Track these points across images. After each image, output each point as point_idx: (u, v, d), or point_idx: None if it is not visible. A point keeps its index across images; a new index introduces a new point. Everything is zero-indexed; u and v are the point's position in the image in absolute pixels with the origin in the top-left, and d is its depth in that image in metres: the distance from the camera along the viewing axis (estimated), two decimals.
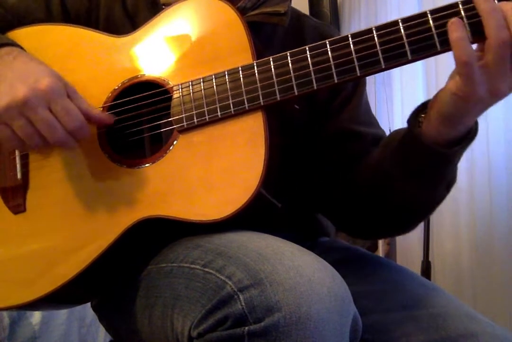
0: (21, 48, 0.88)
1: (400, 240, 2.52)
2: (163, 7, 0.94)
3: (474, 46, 0.73)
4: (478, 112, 0.77)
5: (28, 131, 0.78)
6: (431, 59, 2.04)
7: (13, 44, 0.87)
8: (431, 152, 0.80)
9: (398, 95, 2.58)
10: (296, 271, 0.65)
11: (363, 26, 2.98)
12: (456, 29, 0.71)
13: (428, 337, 0.82)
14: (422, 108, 0.84)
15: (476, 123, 0.80)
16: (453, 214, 2.27)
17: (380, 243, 2.49)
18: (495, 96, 0.74)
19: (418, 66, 2.45)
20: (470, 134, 0.80)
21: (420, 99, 2.44)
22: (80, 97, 0.82)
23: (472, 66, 0.70)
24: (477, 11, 0.71)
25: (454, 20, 0.71)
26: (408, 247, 2.48)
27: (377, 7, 2.87)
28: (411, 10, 2.61)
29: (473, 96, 0.73)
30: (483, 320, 0.84)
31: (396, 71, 2.52)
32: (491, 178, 2.11)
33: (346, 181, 0.97)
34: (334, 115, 1.01)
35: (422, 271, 2.03)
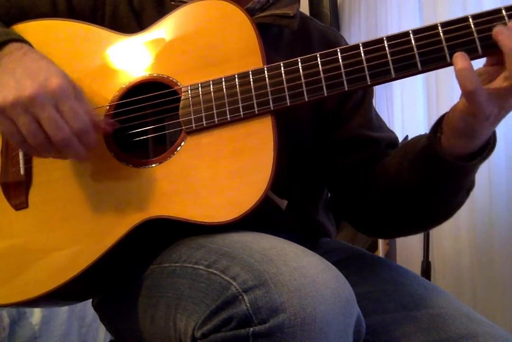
0: (30, 44, 0.87)
1: (400, 240, 2.52)
2: (172, 2, 0.94)
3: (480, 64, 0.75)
4: (491, 126, 0.78)
5: (32, 128, 0.77)
6: None
7: (22, 40, 0.86)
8: (451, 166, 0.81)
9: (398, 97, 2.59)
10: (301, 272, 0.65)
11: (363, 27, 2.99)
12: (461, 61, 0.72)
13: (428, 337, 0.82)
14: (440, 123, 0.84)
15: (494, 134, 0.81)
16: None
17: (380, 243, 2.49)
18: (504, 111, 0.76)
19: None
20: (489, 145, 0.81)
21: (419, 100, 2.45)
22: (86, 100, 0.81)
23: (477, 93, 0.72)
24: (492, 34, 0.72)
25: (457, 53, 0.73)
26: (408, 247, 2.49)
27: (377, 7, 2.88)
28: (411, 10, 2.61)
29: (482, 114, 0.74)
30: (483, 320, 0.85)
31: None
32: (491, 178, 2.11)
33: (364, 186, 0.98)
34: (345, 121, 1.02)
35: (422, 271, 2.04)
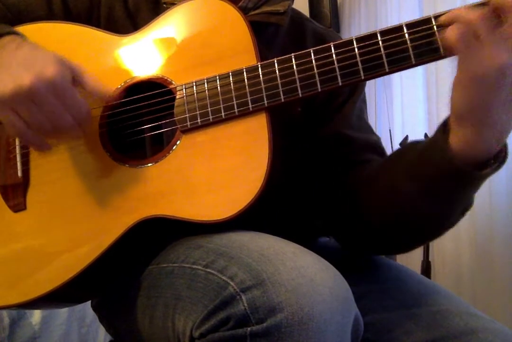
0: (23, 36, 0.87)
1: None
2: (164, 5, 0.94)
3: None
4: (490, 100, 0.70)
5: (35, 114, 0.77)
6: None
7: (15, 32, 0.86)
8: (459, 172, 0.75)
9: (398, 97, 2.58)
10: (298, 272, 0.65)
11: (363, 27, 3.00)
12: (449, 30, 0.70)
13: (428, 334, 0.82)
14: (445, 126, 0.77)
15: (505, 146, 0.75)
16: None
17: None
18: (493, 67, 0.68)
19: (418, 68, 2.45)
20: (501, 153, 0.75)
21: (420, 100, 2.45)
22: (87, 77, 0.82)
23: (464, 42, 0.68)
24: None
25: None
26: None
27: (377, 7, 2.88)
28: (411, 10, 2.62)
29: (473, 75, 0.69)
30: (483, 316, 0.85)
31: (396, 73, 2.53)
32: (491, 178, 2.11)
33: (346, 189, 0.94)
34: (329, 119, 1.00)
35: (422, 271, 2.04)
